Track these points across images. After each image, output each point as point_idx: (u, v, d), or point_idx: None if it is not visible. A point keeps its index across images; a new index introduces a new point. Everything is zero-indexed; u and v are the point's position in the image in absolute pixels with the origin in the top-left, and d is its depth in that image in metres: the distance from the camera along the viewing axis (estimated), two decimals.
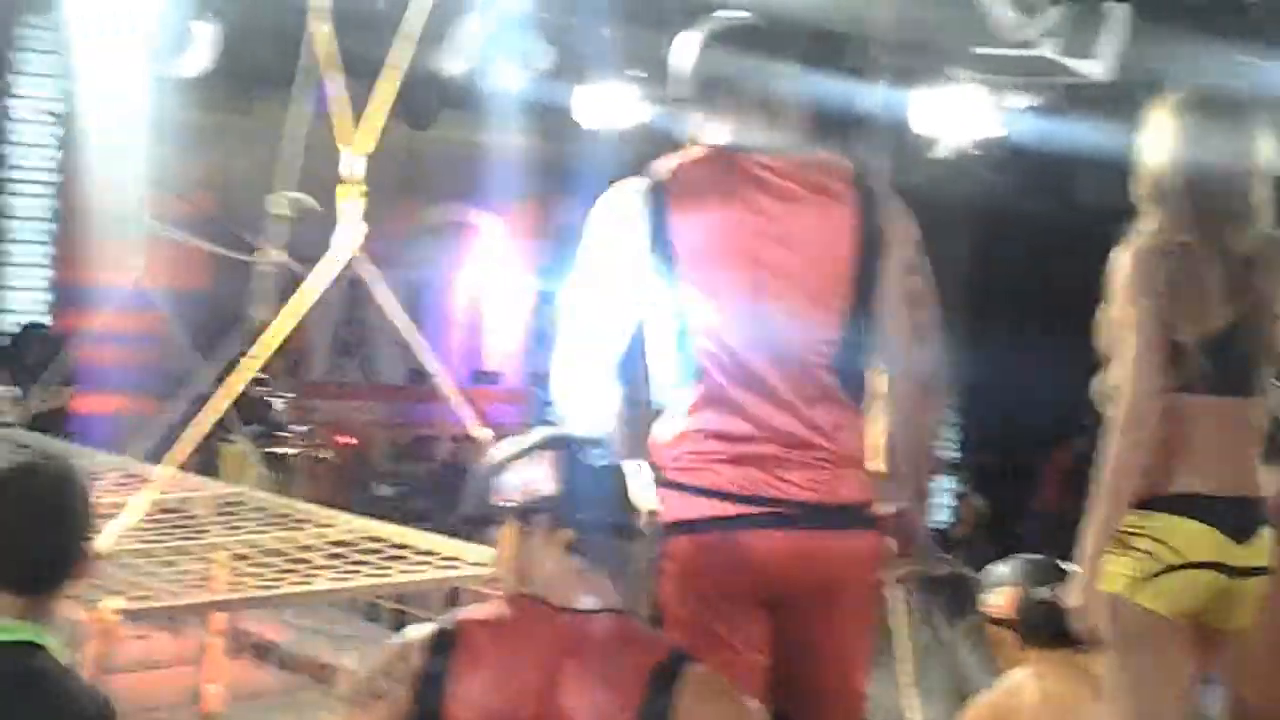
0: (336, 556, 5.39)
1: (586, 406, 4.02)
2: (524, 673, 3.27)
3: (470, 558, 5.23)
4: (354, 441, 14.39)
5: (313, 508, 6.25)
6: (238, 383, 5.39)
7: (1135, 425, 4.02)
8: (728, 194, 4.03)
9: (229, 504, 6.12)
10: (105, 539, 4.70)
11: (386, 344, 15.34)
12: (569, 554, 3.37)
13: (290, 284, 6.46)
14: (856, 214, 4.06)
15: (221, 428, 9.57)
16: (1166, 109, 4.21)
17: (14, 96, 11.65)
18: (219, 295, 12.87)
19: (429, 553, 5.41)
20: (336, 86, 5.52)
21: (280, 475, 12.72)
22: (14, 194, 11.90)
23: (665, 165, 4.13)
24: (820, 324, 4.03)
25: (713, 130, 4.15)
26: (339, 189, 5.37)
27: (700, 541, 3.93)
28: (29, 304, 12.00)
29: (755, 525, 3.93)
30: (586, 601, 3.35)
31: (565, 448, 3.47)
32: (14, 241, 11.97)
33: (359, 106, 5.50)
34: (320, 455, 13.60)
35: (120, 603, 4.27)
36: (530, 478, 3.42)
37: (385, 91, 5.41)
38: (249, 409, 13.46)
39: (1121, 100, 10.77)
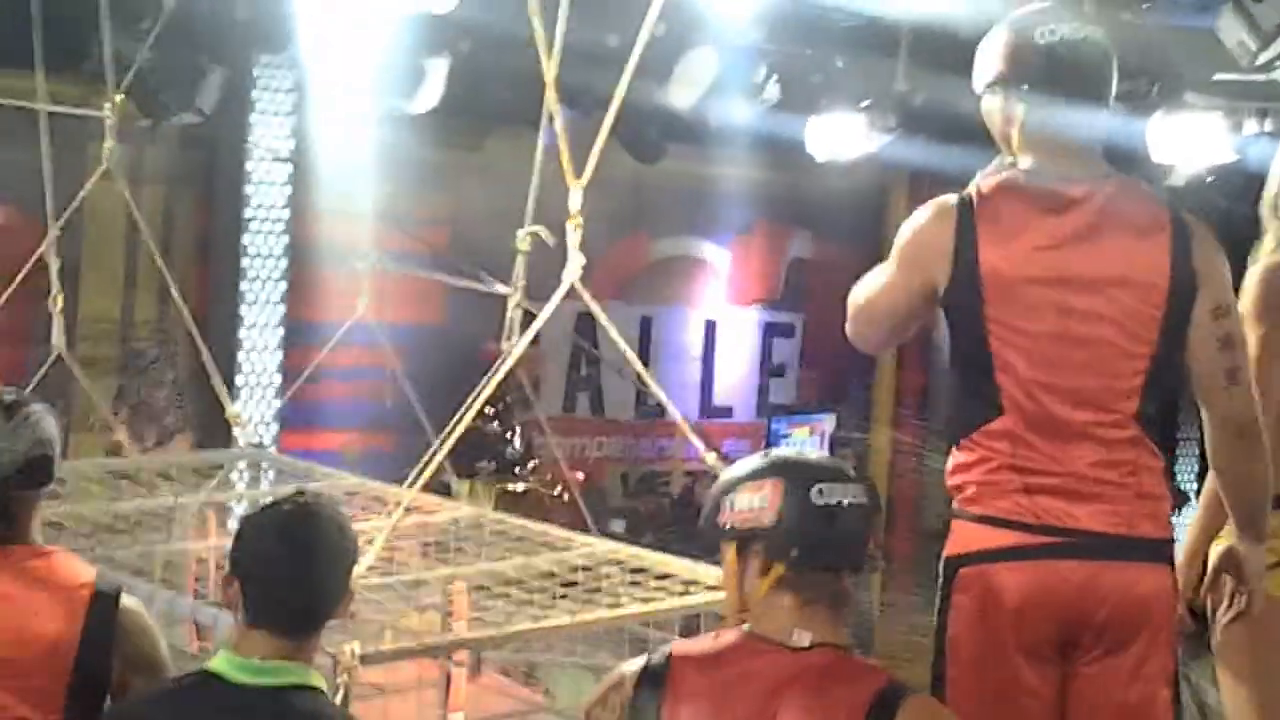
0: (574, 584, 5.44)
1: None
2: (736, 708, 3.27)
3: (709, 580, 5.22)
4: (584, 477, 14.41)
5: (550, 529, 6.29)
6: (472, 413, 5.55)
7: (1254, 438, 4.07)
8: (1041, 224, 4.01)
9: (468, 527, 6.18)
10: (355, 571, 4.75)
11: (617, 378, 15.35)
12: (782, 588, 3.37)
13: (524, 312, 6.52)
14: (1171, 252, 4.02)
15: (457, 464, 9.65)
16: None
17: (252, 136, 11.86)
18: (454, 331, 13.02)
19: (666, 575, 5.42)
20: (560, 122, 5.60)
21: (513, 511, 12.81)
22: (253, 232, 12.10)
23: (979, 184, 4.12)
24: (1126, 366, 4.00)
25: (1028, 146, 4.13)
26: (568, 222, 5.42)
27: (992, 571, 3.91)
28: (262, 341, 12.18)
29: (1050, 555, 3.90)
30: (800, 638, 3.33)
31: (793, 476, 3.44)
32: (249, 279, 12.17)
33: (591, 141, 5.57)
34: (553, 491, 13.64)
35: (359, 646, 4.31)
36: (751, 504, 3.42)
37: (607, 126, 5.48)
38: (482, 445, 13.59)
39: None
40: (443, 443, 5.71)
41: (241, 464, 7.95)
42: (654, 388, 6.29)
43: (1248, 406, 4.10)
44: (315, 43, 10.05)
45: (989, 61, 4.23)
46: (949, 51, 10.34)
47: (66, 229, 8.26)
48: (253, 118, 11.86)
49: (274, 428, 11.89)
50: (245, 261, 12.08)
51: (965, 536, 4.02)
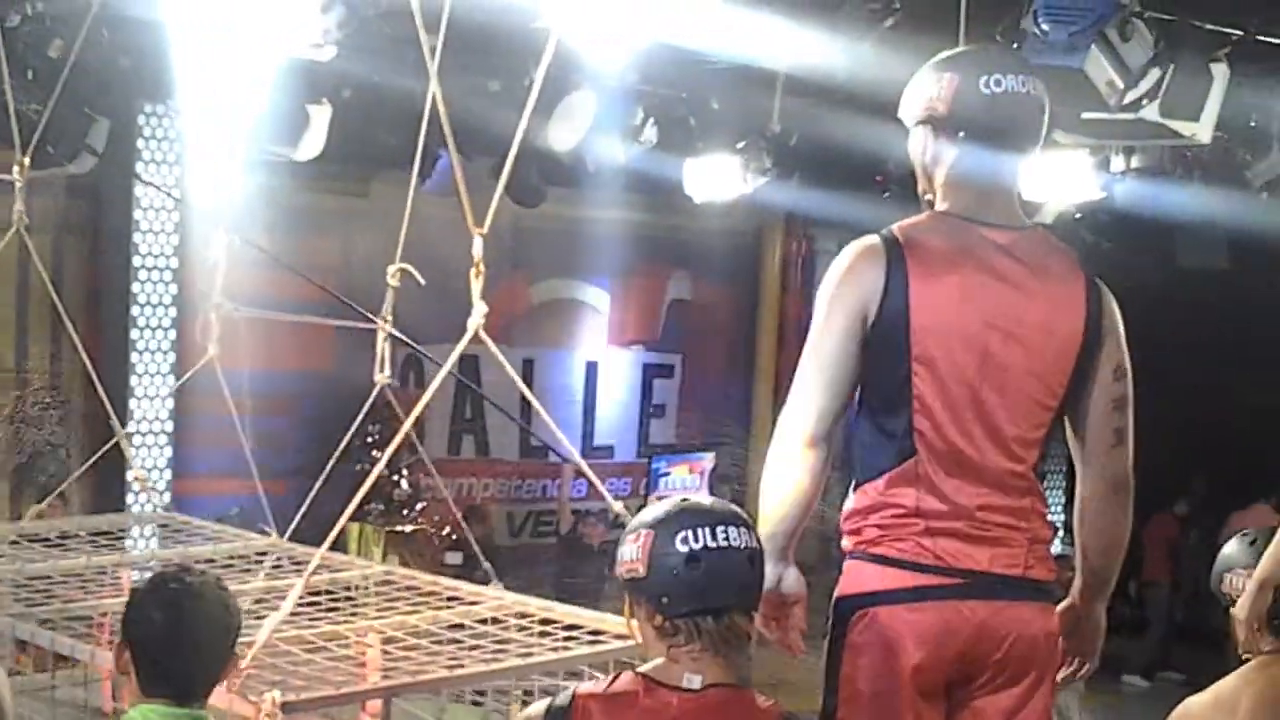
0: (485, 636, 5.57)
1: (788, 480, 3.98)
2: None
3: (615, 630, 5.36)
4: (469, 516, 14.53)
5: (460, 584, 6.44)
6: (383, 460, 5.80)
7: (1128, 496, 4.17)
8: (967, 267, 4.00)
9: (378, 583, 6.36)
10: (264, 630, 4.91)
11: (502, 420, 15.49)
12: (668, 633, 3.46)
13: (407, 356, 6.65)
14: (1085, 310, 4.05)
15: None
16: None
17: (139, 183, 11.92)
18: (343, 376, 13.11)
19: (574, 627, 5.55)
20: (459, 171, 5.67)
21: (402, 551, 12.92)
22: (139, 280, 12.15)
23: (907, 229, 4.07)
24: (1037, 417, 4.03)
25: (952, 188, 4.13)
26: (471, 270, 5.52)
27: (892, 613, 3.92)
28: (153, 389, 12.22)
29: (951, 595, 3.93)
30: (691, 681, 3.41)
31: (662, 525, 3.49)
32: (139, 327, 12.21)
33: (474, 185, 5.65)
34: (441, 531, 13.76)
35: (279, 694, 4.48)
36: (631, 556, 3.50)
37: (505, 174, 5.58)
38: (371, 488, 13.69)
39: (1224, 162, 10.83)
40: (357, 494, 5.77)
41: (150, 527, 7.99)
42: (553, 431, 6.39)
43: (1127, 466, 4.14)
44: (199, 91, 10.13)
45: (926, 98, 4.17)
46: (823, 94, 10.64)
47: None
48: (139, 167, 11.94)
49: (166, 474, 11.95)
50: (135, 310, 12.14)
51: (862, 577, 4.00)
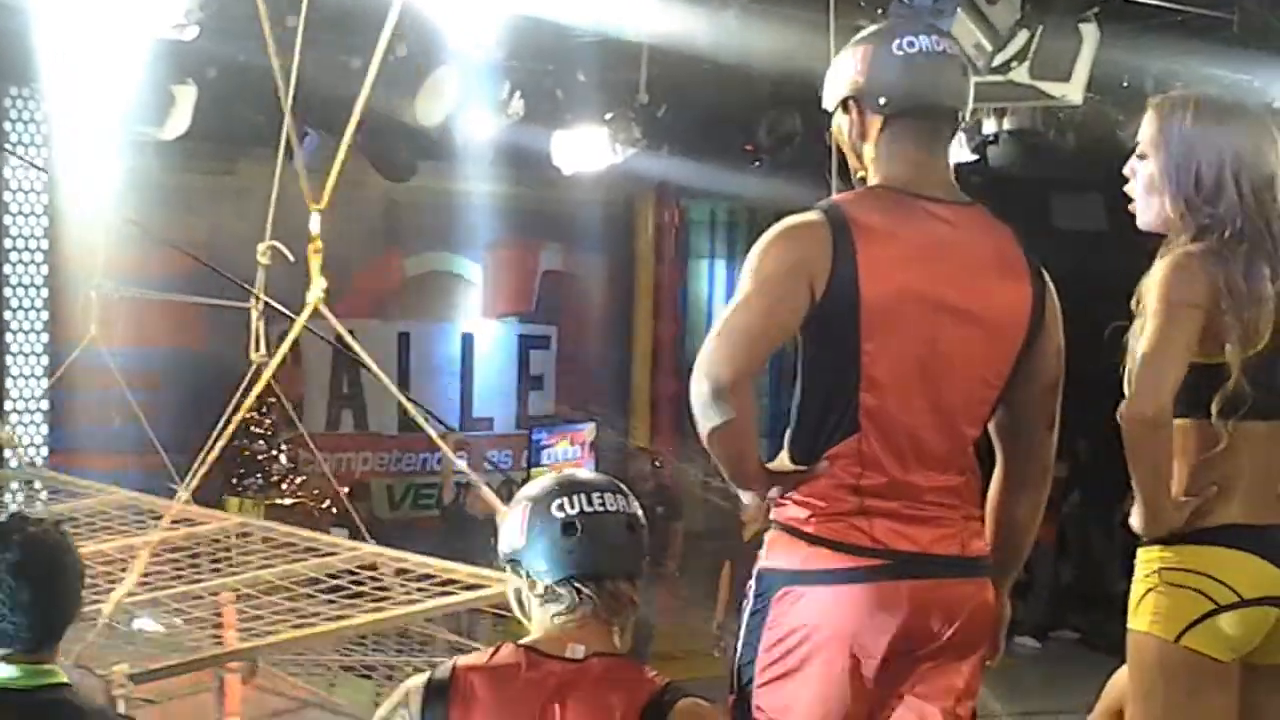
0: (337, 589, 5.59)
1: (724, 417, 3.81)
2: (518, 717, 3.40)
3: (467, 579, 5.50)
4: (349, 491, 14.57)
5: (318, 536, 6.53)
6: (235, 423, 5.81)
7: (1047, 486, 4.13)
8: (915, 246, 3.91)
9: (236, 536, 6.34)
10: (116, 595, 4.94)
11: (380, 394, 15.53)
12: (549, 603, 3.48)
13: (281, 332, 6.71)
14: (1030, 290, 3.99)
15: (225, 481, 9.67)
16: (1193, 110, 3.99)
17: (5, 168, 11.83)
18: (214, 353, 13.11)
19: (427, 576, 5.64)
20: (299, 151, 5.74)
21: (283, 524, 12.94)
22: (9, 262, 12.07)
23: (848, 203, 3.96)
24: (981, 396, 3.97)
25: (885, 160, 4.02)
26: (309, 246, 5.57)
27: (824, 593, 3.85)
28: (28, 368, 12.16)
29: (887, 576, 3.85)
30: (574, 650, 3.44)
31: (536, 496, 3.53)
32: (11, 309, 12.14)
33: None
34: (321, 504, 13.80)
35: (128, 667, 4.58)
36: (510, 530, 3.53)
37: (343, 152, 5.64)
38: (248, 462, 13.72)
39: (1097, 122, 10.96)
40: (206, 455, 5.83)
41: (16, 484, 7.98)
42: (406, 404, 6.45)
43: (1050, 454, 4.10)
44: (64, 74, 10.08)
45: (843, 76, 4.03)
46: (689, 64, 10.75)
47: None
48: (6, 149, 11.84)
49: (44, 451, 11.90)
50: (6, 291, 12.07)
51: (790, 553, 3.89)
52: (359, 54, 10.11)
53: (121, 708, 4.38)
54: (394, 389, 6.46)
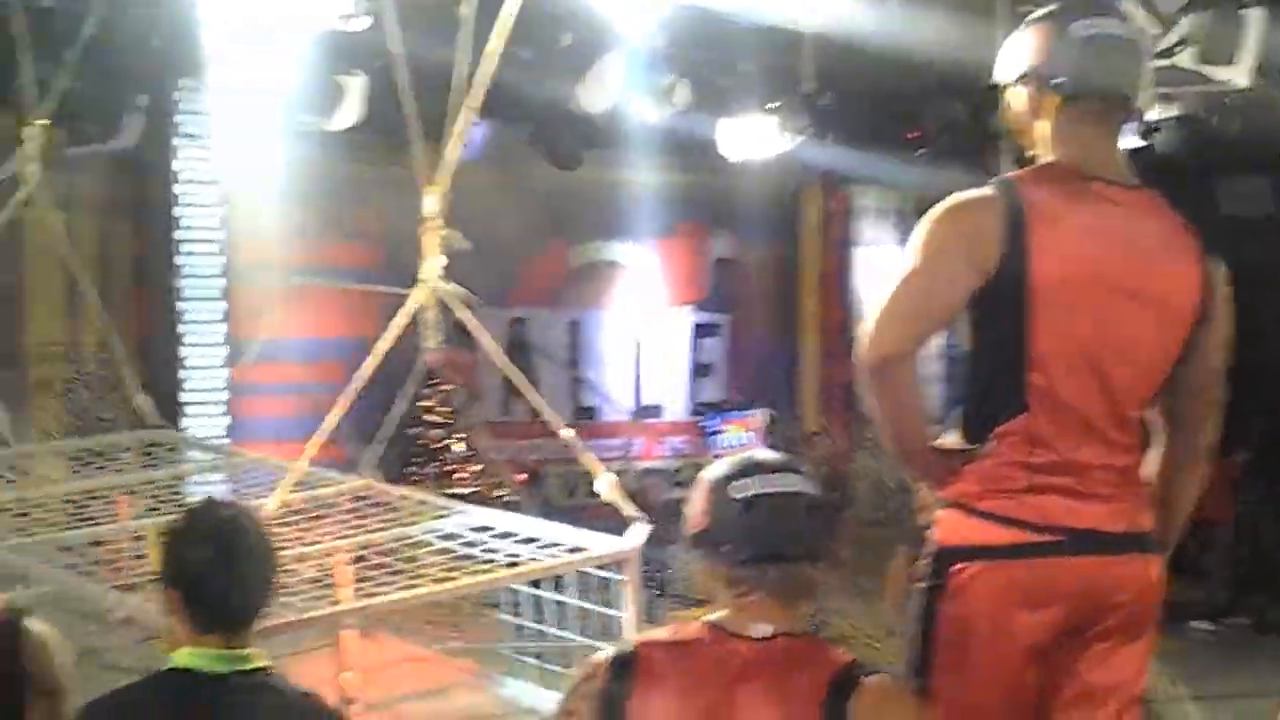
0: (445, 551, 5.68)
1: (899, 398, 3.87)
2: (701, 695, 3.39)
3: (549, 538, 5.58)
4: (526, 478, 14.69)
5: (431, 498, 6.57)
6: (346, 402, 6.02)
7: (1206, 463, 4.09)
8: (1088, 225, 3.89)
9: (356, 498, 6.41)
10: None
11: (554, 381, 15.65)
12: (734, 583, 3.46)
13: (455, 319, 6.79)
14: (1200, 277, 3.98)
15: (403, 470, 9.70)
16: None
17: (177, 160, 12.10)
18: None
19: (533, 539, 5.71)
20: (415, 133, 5.78)
21: None
22: (187, 254, 12.33)
23: (1021, 181, 3.95)
24: (1151, 377, 3.97)
25: (1059, 140, 4.00)
26: (423, 226, 5.60)
27: (995, 568, 3.87)
28: (207, 359, 12.40)
29: (1055, 552, 3.86)
30: (758, 629, 3.43)
31: (717, 476, 3.52)
32: (189, 299, 12.39)
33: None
34: (496, 493, 13.93)
35: None
36: (694, 510, 3.53)
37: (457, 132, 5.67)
38: (425, 450, 13.90)
39: (1265, 106, 10.75)
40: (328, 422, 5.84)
41: (155, 445, 8.03)
42: (530, 394, 6.50)
43: (1213, 436, 4.10)
44: (234, 66, 10.27)
45: (1020, 54, 4.04)
46: (854, 52, 10.70)
47: (6, 257, 8.41)
48: (177, 142, 12.09)
49: (225, 441, 12.12)
50: (182, 282, 12.31)
51: (962, 529, 3.92)
52: (527, 43, 10.23)
53: None
54: (515, 374, 6.49)
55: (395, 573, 5.43)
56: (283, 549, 5.57)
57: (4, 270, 8.89)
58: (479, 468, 14.30)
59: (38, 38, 8.20)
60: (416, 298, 6.00)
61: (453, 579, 5.39)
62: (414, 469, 13.95)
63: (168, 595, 3.50)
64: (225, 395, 12.47)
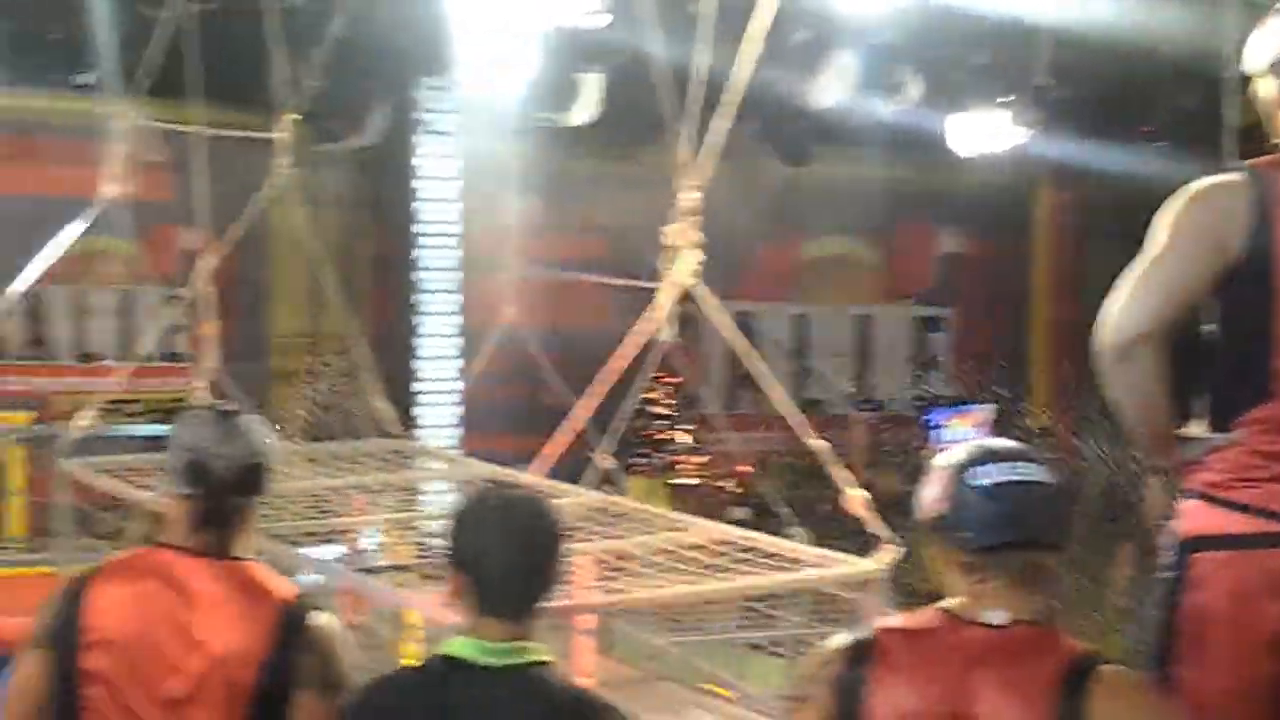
0: (691, 560, 5.58)
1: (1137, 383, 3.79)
2: (938, 681, 3.36)
3: (812, 559, 5.49)
4: (750, 470, 14.75)
5: (668, 513, 6.53)
6: (597, 396, 5.93)
7: None
8: None
9: (594, 510, 6.39)
10: None
11: (779, 375, 15.68)
12: (972, 570, 3.42)
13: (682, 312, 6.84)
14: None
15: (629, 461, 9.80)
16: None
17: (419, 155, 12.35)
18: (619, 334, 13.44)
19: (773, 555, 5.61)
20: (681, 130, 5.82)
21: (686, 503, 13.19)
22: (425, 247, 12.59)
23: (1270, 167, 3.83)
24: None
25: None
26: (681, 223, 5.64)
27: (1239, 558, 3.78)
28: (441, 350, 12.66)
29: None
30: (994, 616, 3.40)
31: (957, 464, 3.49)
32: (426, 292, 12.66)
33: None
34: (722, 484, 14.02)
35: None
36: (931, 496, 3.49)
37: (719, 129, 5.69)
38: (651, 442, 14.03)
39: None
40: (565, 430, 5.88)
41: (394, 452, 8.22)
42: (780, 398, 6.45)
43: None
44: (475, 65, 10.45)
45: (1271, 42, 3.89)
46: (1087, 46, 10.58)
47: (254, 252, 8.64)
48: (418, 138, 12.34)
49: (457, 431, 12.35)
50: (420, 275, 12.57)
51: (1207, 518, 3.82)
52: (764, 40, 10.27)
53: None
54: (767, 377, 6.47)
55: (637, 576, 5.43)
56: None
57: (252, 265, 9.13)
58: (703, 459, 14.40)
59: (287, 37, 8.40)
60: (670, 292, 6.01)
61: (693, 584, 5.41)
62: (639, 459, 14.11)
63: (452, 576, 3.46)
64: (458, 385, 12.69)
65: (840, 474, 5.93)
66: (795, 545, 5.72)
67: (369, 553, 6.56)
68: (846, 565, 5.50)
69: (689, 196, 5.67)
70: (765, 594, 5.65)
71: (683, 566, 5.52)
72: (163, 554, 3.63)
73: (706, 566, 5.54)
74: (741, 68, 5.71)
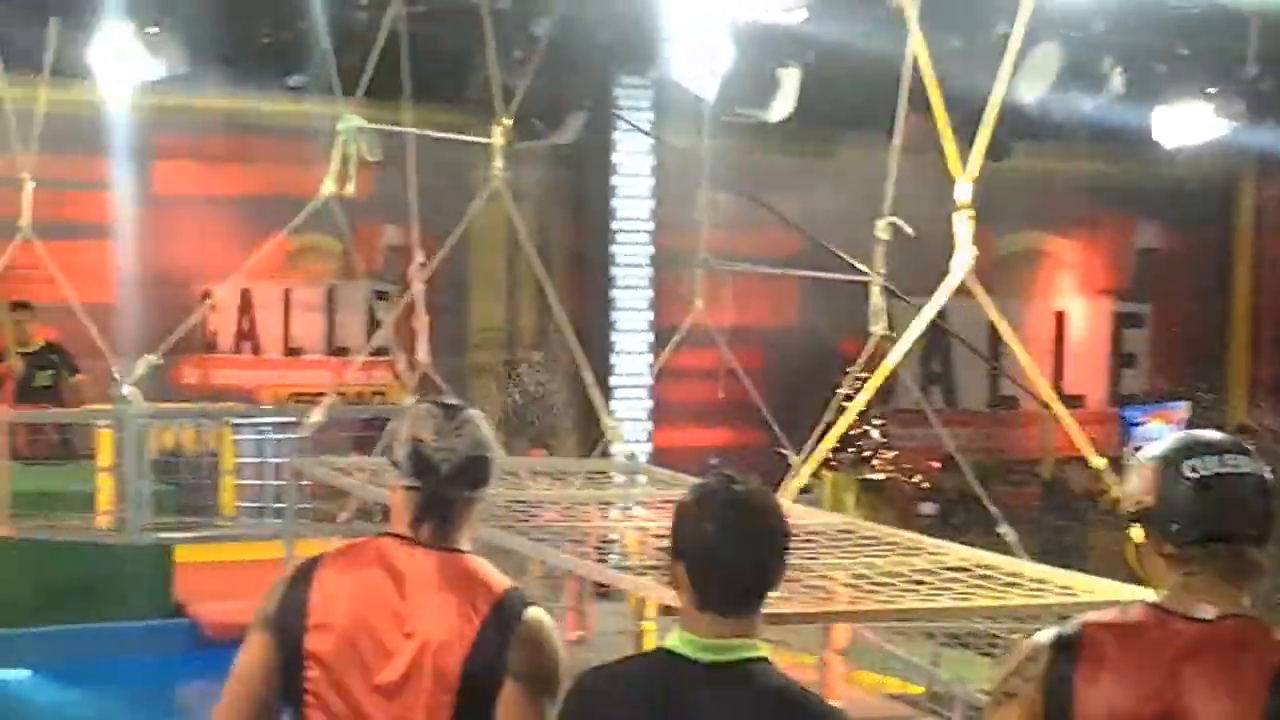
0: (954, 581, 5.54)
1: None
2: (1147, 676, 3.33)
3: (1081, 588, 5.36)
4: (939, 467, 14.67)
5: (922, 538, 6.41)
6: (857, 406, 5.70)
7: None
8: None
9: (840, 531, 6.33)
10: None
11: (969, 370, 15.56)
12: (1178, 563, 3.39)
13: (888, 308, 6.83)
14: None
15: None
16: None
17: (617, 152, 12.46)
18: (809, 330, 13.44)
19: (1041, 581, 5.51)
20: (943, 123, 5.78)
21: (874, 499, 13.16)
22: (620, 243, 12.70)
23: None
24: None
25: None
26: (955, 214, 5.59)
27: None
28: (634, 345, 12.76)
29: None
30: (1204, 610, 3.35)
31: (1168, 455, 3.43)
32: (622, 288, 12.76)
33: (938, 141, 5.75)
34: (910, 480, 13.95)
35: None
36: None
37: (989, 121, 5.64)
38: (842, 437, 13.99)
39: None
40: (824, 443, 5.81)
41: (619, 474, 8.29)
42: (1030, 379, 6.37)
43: None
44: (672, 60, 10.51)
45: None
46: None
47: (455, 247, 8.77)
48: (615, 135, 12.45)
49: (648, 425, 12.43)
50: (615, 271, 12.69)
51: None
52: (957, 31, 10.22)
53: None
54: (1046, 390, 6.40)
55: (901, 592, 5.38)
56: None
57: (452, 261, 9.26)
58: (894, 455, 14.35)
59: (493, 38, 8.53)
60: (951, 286, 5.94)
61: (963, 601, 5.32)
62: (831, 455, 14.06)
63: (674, 567, 3.45)
64: (649, 380, 12.79)
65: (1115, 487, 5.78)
66: (1066, 574, 5.59)
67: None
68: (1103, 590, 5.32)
69: (964, 189, 5.62)
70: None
71: (941, 586, 5.45)
72: (385, 543, 3.70)
73: (972, 586, 5.44)
74: (1001, 75, 5.67)
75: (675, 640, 3.47)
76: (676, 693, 3.44)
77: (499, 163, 8.18)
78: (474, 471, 3.73)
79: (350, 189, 8.30)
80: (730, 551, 3.44)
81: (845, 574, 5.59)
